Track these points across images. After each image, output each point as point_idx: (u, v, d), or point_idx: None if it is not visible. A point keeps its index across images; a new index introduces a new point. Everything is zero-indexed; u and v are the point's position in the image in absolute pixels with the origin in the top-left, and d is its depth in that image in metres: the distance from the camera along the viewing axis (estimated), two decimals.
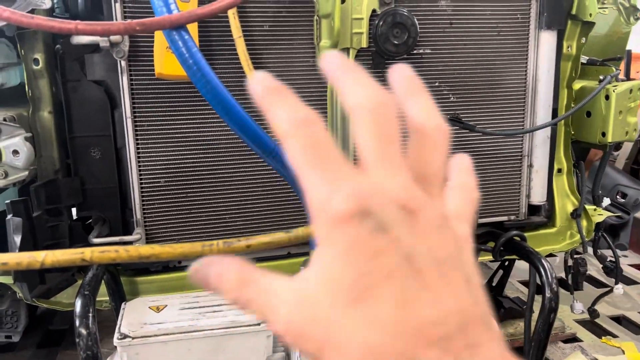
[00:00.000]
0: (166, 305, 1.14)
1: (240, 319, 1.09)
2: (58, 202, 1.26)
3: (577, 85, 1.55)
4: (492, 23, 1.40)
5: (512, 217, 1.52)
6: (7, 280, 1.27)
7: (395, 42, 1.23)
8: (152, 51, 1.20)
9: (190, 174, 1.28)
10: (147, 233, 1.28)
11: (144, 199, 1.27)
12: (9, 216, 1.08)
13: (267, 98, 0.37)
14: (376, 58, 1.28)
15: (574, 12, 1.43)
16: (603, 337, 1.94)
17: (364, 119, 0.36)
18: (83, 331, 0.96)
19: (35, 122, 1.24)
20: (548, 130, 1.49)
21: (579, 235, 1.59)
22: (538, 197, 1.53)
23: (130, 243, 1.25)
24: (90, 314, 0.98)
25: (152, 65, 1.21)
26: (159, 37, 1.11)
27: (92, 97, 1.27)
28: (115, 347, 1.04)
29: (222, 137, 1.28)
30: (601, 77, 1.48)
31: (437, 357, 0.31)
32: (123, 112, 1.22)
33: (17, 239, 1.05)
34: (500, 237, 1.33)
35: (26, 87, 1.21)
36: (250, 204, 1.32)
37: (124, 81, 1.20)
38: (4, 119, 1.12)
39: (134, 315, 1.09)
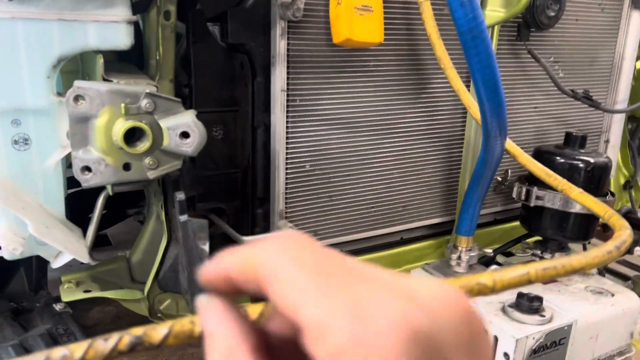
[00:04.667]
0: None
1: None
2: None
3: (639, 64, 1.64)
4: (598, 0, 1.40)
5: None
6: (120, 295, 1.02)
7: (550, 14, 1.18)
8: (314, 13, 1.00)
9: (335, 157, 1.12)
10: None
11: (287, 186, 1.08)
12: (184, 217, 0.84)
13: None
14: (523, 29, 1.21)
15: None
16: None
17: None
18: None
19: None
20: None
21: (629, 205, 1.71)
22: (612, 171, 1.60)
23: None
24: None
25: (313, 30, 1.01)
26: None
27: (221, 64, 1.04)
28: None
29: (373, 115, 1.13)
30: None
31: None
32: (274, 85, 1.01)
33: (206, 246, 0.83)
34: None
35: (160, 47, 0.94)
36: (397, 195, 1.20)
37: (282, 47, 0.99)
38: (157, 89, 0.86)
39: None
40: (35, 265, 1.34)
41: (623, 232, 0.72)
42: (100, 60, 0.87)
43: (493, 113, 0.86)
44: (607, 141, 1.57)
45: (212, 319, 0.30)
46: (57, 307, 1.30)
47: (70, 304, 1.36)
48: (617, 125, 1.56)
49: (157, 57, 0.95)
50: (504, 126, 0.89)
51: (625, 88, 1.53)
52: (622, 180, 1.70)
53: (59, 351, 0.34)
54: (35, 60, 0.85)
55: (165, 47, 0.96)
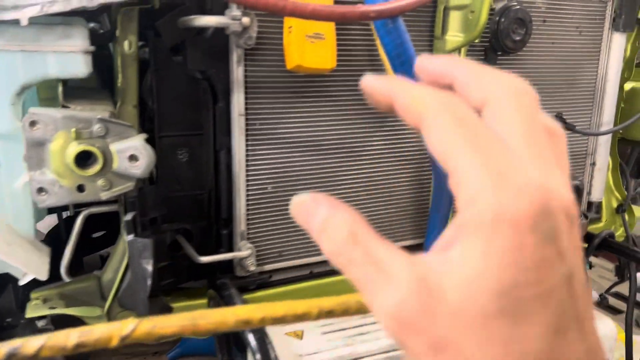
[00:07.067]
0: (303, 330, 1.01)
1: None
2: (144, 214, 1.05)
3: (628, 86, 1.61)
4: (575, 22, 1.40)
5: None
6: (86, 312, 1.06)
7: (516, 38, 1.18)
8: (269, 41, 1.04)
9: (298, 180, 1.14)
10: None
11: (249, 207, 1.11)
12: (130, 237, 0.88)
13: (394, 87, 0.34)
14: (490, 54, 1.22)
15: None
16: None
17: (511, 104, 0.32)
18: None
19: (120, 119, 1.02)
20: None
21: (622, 229, 1.67)
22: (597, 194, 1.58)
23: (243, 259, 1.09)
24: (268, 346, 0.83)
25: (268, 57, 1.05)
26: (299, 24, 0.96)
27: (184, 90, 1.08)
28: None
29: (336, 138, 1.15)
30: None
31: None
32: (233, 109, 1.05)
33: (149, 266, 0.86)
34: (594, 238, 1.34)
35: (119, 75, 0.99)
36: (365, 217, 1.21)
37: (239, 73, 1.03)
38: (112, 114, 0.91)
39: (277, 346, 0.95)
40: None
41: None
42: (59, 88, 0.92)
43: None
44: (593, 164, 1.55)
45: (323, 207, 0.33)
46: (40, 323, 1.34)
47: (64, 320, 1.41)
48: (603, 148, 1.54)
49: (119, 85, 1.00)
50: None
51: (610, 110, 1.51)
52: (615, 204, 1.67)
53: None
54: (0, 89, 0.91)
55: (126, 75, 1.01)
